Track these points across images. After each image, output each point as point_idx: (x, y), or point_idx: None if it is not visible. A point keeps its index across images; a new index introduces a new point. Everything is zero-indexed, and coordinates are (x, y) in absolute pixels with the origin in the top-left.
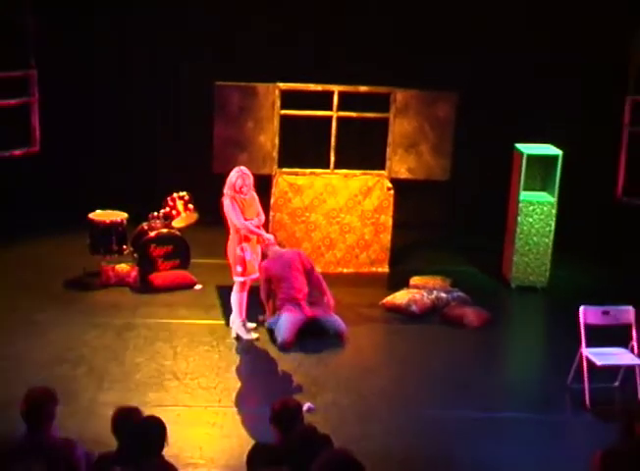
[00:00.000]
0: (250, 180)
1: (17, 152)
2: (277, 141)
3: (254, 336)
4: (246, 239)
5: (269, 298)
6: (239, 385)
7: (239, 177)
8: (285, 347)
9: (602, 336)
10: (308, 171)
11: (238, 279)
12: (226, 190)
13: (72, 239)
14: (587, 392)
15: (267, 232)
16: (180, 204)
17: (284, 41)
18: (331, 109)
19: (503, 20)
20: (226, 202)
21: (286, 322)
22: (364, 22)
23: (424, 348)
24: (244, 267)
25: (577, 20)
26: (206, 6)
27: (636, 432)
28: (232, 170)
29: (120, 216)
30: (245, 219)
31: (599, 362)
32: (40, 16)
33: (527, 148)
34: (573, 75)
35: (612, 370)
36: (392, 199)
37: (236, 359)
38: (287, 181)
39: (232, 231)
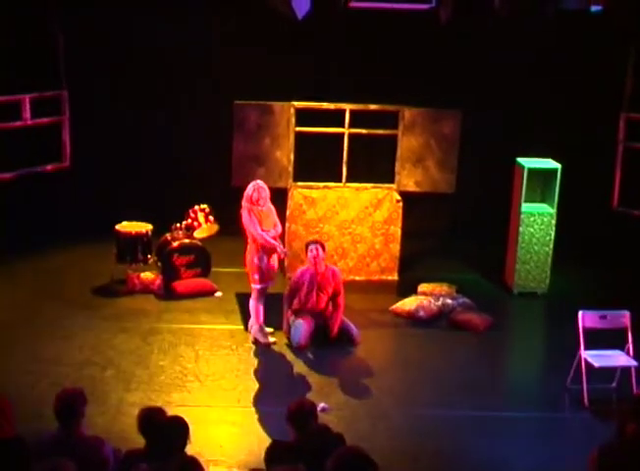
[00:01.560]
0: (266, 192)
1: (49, 167)
2: (292, 157)
3: (272, 340)
4: (263, 249)
5: (291, 303)
6: (257, 386)
7: (255, 190)
8: (300, 350)
9: (599, 339)
10: (322, 184)
11: (255, 286)
12: (244, 203)
13: (99, 249)
14: (585, 393)
15: (283, 242)
16: (201, 216)
17: (300, 63)
18: (343, 126)
19: (504, 42)
20: (244, 214)
21: (300, 327)
22: (375, 46)
23: (431, 351)
24: (261, 275)
25: (576, 41)
26: (225, 25)
27: (627, 430)
28: (249, 184)
29: (145, 227)
30: (263, 230)
31: (597, 364)
32: (71, 37)
33: (528, 162)
34: (572, 93)
35: (609, 371)
36: (400, 211)
37: (254, 362)
38: (301, 193)
39: (249, 240)
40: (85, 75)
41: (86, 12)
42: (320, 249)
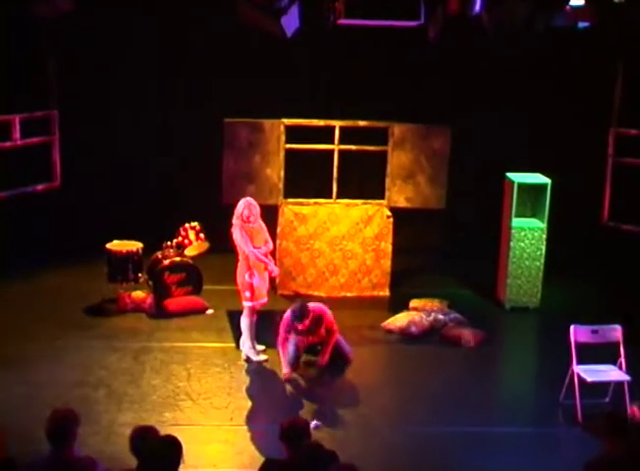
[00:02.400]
0: (257, 210)
1: (39, 187)
2: (282, 174)
3: (263, 357)
4: (255, 266)
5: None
6: (249, 404)
7: (245, 207)
8: (286, 381)
9: (592, 353)
10: (312, 201)
11: (247, 304)
12: (235, 220)
13: (90, 269)
14: (578, 408)
15: (274, 259)
16: (192, 234)
17: (290, 80)
18: (333, 143)
19: (493, 59)
20: (235, 231)
21: (287, 355)
22: (364, 63)
23: (423, 368)
24: (253, 293)
25: (564, 57)
26: (215, 43)
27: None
28: (240, 201)
29: (135, 246)
30: (254, 246)
31: (589, 379)
32: (61, 58)
33: (518, 177)
34: (561, 108)
35: (602, 386)
36: (391, 227)
37: (246, 380)
38: (292, 210)
39: (240, 258)
40: (75, 94)
41: (76, 33)
42: (306, 320)
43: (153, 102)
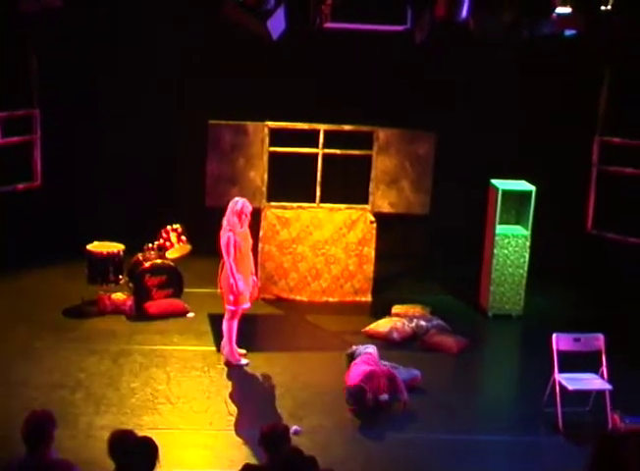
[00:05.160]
0: (250, 210)
1: (20, 186)
2: (266, 177)
3: (244, 361)
4: (239, 271)
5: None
6: (229, 408)
7: (242, 204)
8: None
9: (573, 361)
10: (295, 205)
11: (229, 307)
12: (229, 219)
13: (70, 270)
14: (560, 416)
15: (256, 263)
16: (173, 236)
17: (275, 83)
18: (317, 146)
19: (479, 64)
20: (223, 236)
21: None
22: (350, 67)
23: None
24: (236, 296)
25: (550, 65)
26: (199, 44)
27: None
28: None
29: (116, 247)
30: (241, 253)
31: (571, 387)
32: (43, 57)
33: (502, 184)
34: (546, 116)
35: (583, 394)
36: (374, 232)
37: (226, 384)
38: (275, 214)
39: (226, 261)
40: (57, 93)
41: (59, 31)
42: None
43: (137, 103)
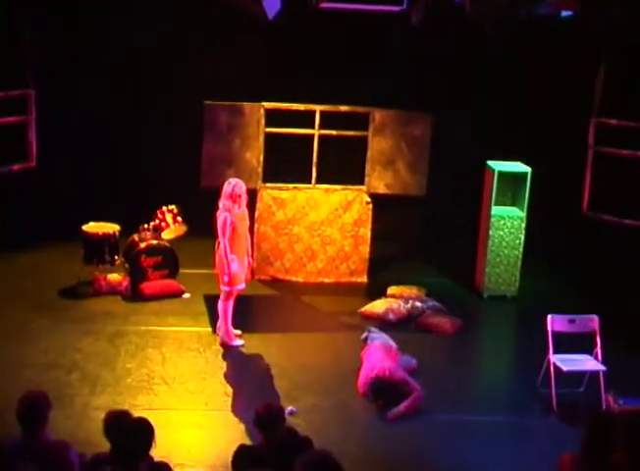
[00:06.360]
0: (244, 189)
1: (15, 167)
2: (262, 158)
3: (240, 342)
4: (234, 252)
5: None
6: (224, 389)
7: (234, 186)
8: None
9: (568, 343)
10: (291, 186)
11: (224, 288)
12: (224, 202)
13: (66, 250)
14: (554, 397)
15: (252, 244)
16: (169, 217)
17: (271, 64)
18: (313, 127)
19: (475, 46)
20: (220, 217)
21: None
22: (346, 47)
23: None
24: (231, 277)
25: (546, 45)
26: (195, 25)
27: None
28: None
29: (112, 228)
30: (237, 234)
31: (565, 368)
32: (38, 37)
33: (498, 165)
34: (543, 97)
35: (577, 375)
36: (370, 213)
37: (222, 364)
38: (271, 195)
39: (221, 242)
40: (53, 74)
41: (54, 11)
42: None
43: (133, 83)
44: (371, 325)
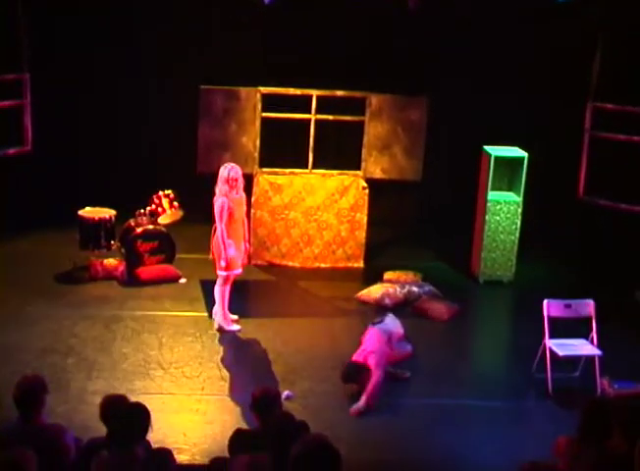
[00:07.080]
0: (240, 173)
1: (10, 151)
2: (258, 142)
3: (236, 327)
4: (230, 236)
5: None
6: (221, 374)
7: (229, 170)
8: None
9: (564, 327)
10: (288, 171)
11: (221, 273)
12: (220, 186)
13: (62, 235)
14: (550, 381)
15: (249, 229)
16: (165, 202)
17: (267, 48)
18: (309, 112)
19: (472, 30)
20: (217, 201)
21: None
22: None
23: None
24: (228, 262)
25: (543, 30)
26: (193, 11)
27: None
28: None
29: (108, 213)
30: (234, 218)
31: (561, 353)
32: (33, 21)
33: (495, 150)
34: (539, 81)
35: (573, 360)
36: (367, 198)
37: (218, 349)
38: (267, 180)
39: (218, 227)
40: (48, 57)
41: None
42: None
43: (129, 68)
44: (367, 309)
